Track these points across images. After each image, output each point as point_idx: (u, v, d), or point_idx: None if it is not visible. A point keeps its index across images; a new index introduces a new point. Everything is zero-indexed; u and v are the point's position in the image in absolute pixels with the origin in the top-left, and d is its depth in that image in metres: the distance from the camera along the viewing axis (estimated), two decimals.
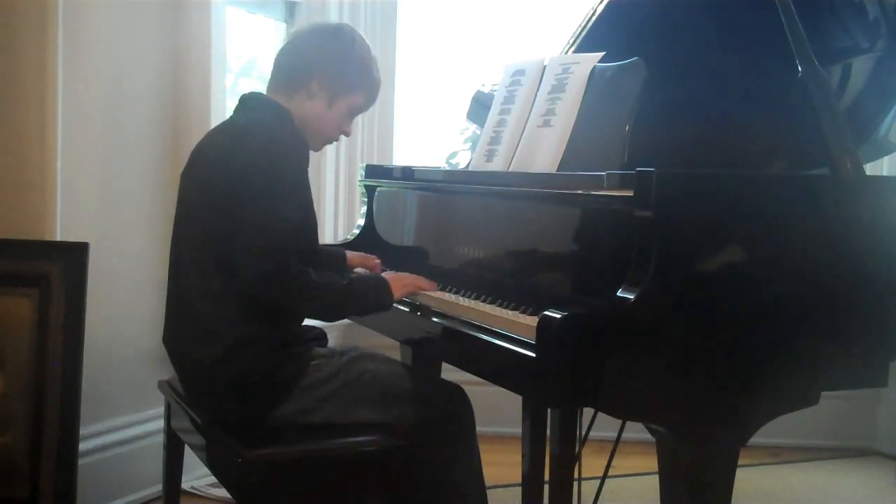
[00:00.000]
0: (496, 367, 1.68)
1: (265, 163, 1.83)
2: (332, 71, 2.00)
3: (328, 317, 1.96)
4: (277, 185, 1.83)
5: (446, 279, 2.07)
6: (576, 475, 1.81)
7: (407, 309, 2.04)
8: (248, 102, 2.03)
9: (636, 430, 2.06)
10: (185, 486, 2.62)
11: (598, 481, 2.28)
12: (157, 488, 2.68)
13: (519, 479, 1.81)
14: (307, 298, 1.85)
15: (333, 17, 3.44)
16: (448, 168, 2.70)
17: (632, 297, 1.48)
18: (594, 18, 2.38)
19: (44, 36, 2.39)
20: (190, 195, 1.96)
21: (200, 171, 1.95)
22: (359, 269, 2.29)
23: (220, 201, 1.84)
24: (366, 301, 1.95)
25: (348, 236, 2.65)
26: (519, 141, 2.11)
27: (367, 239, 2.55)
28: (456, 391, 2.02)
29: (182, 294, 1.94)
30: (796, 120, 1.87)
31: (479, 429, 2.02)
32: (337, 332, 3.33)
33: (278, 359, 1.88)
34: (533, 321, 1.55)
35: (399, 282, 2.00)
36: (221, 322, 1.85)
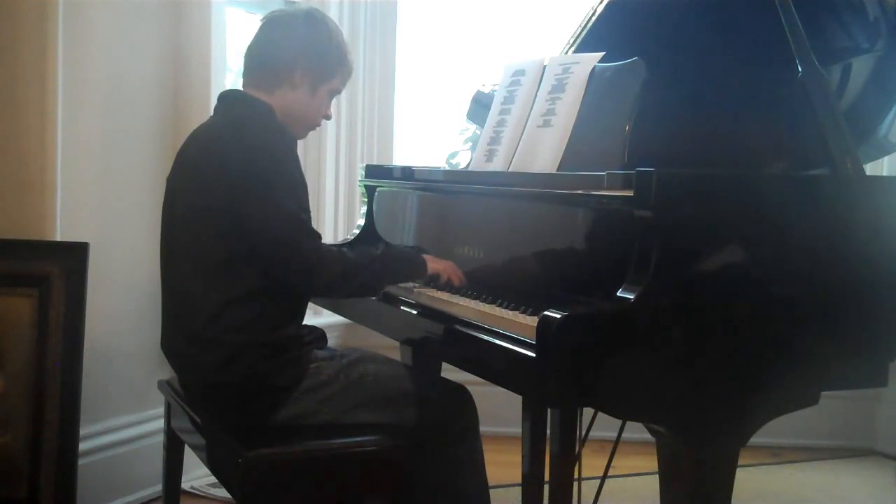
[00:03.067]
0: (496, 367, 1.68)
1: (265, 159, 1.84)
2: (314, 60, 1.99)
3: (368, 293, 2.04)
4: (283, 178, 1.84)
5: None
6: (576, 475, 1.81)
7: (407, 309, 2.04)
8: (228, 100, 2.01)
9: (636, 430, 2.06)
10: (185, 486, 2.62)
11: (598, 481, 2.28)
12: (157, 488, 2.68)
13: (519, 479, 1.81)
14: (350, 277, 1.91)
15: (333, 17, 3.42)
16: (448, 168, 2.70)
17: (632, 297, 1.48)
18: (594, 18, 2.38)
19: (44, 36, 2.39)
20: (181, 200, 1.94)
21: (192, 174, 1.93)
22: None
23: (220, 203, 1.83)
24: (399, 272, 2.02)
25: (348, 236, 2.65)
26: (519, 141, 2.11)
27: (368, 239, 2.54)
28: (459, 391, 2.02)
29: (179, 300, 1.94)
30: (796, 120, 1.87)
31: (479, 428, 2.02)
32: (337, 332, 3.33)
33: (278, 362, 1.88)
34: (533, 321, 1.55)
35: (435, 260, 2.05)
36: (221, 327, 1.84)
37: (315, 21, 2.02)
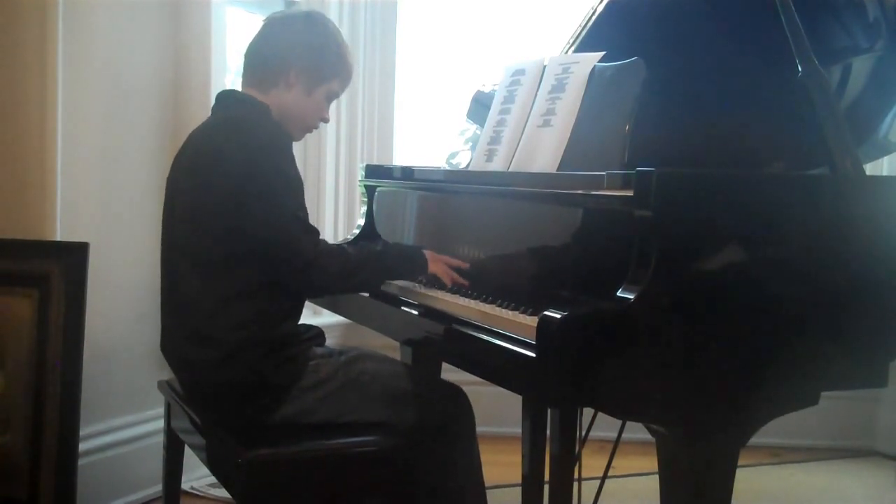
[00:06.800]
0: (496, 367, 1.68)
1: (261, 157, 1.84)
2: (309, 60, 2.00)
3: (367, 289, 2.04)
4: (279, 176, 1.85)
5: None
6: (576, 475, 1.81)
7: (407, 309, 2.04)
8: (224, 100, 2.02)
9: (636, 430, 2.06)
10: (185, 486, 2.62)
11: (598, 481, 2.28)
12: (157, 488, 2.68)
13: (519, 479, 1.81)
14: (350, 274, 1.91)
15: (333, 17, 3.44)
16: (448, 168, 2.70)
17: (632, 297, 1.48)
18: (594, 18, 2.38)
19: (44, 36, 2.39)
20: (180, 199, 1.95)
21: (189, 174, 1.93)
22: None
23: (218, 202, 1.83)
24: (399, 269, 2.03)
25: (348, 236, 2.65)
26: (519, 141, 2.11)
27: (368, 239, 2.54)
28: (456, 392, 2.02)
29: (179, 300, 1.94)
30: (796, 120, 1.86)
31: (479, 429, 2.02)
32: (337, 332, 3.33)
33: (277, 361, 1.88)
34: (533, 321, 1.55)
35: (435, 259, 2.03)
36: (219, 325, 1.85)
37: (313, 22, 2.03)
